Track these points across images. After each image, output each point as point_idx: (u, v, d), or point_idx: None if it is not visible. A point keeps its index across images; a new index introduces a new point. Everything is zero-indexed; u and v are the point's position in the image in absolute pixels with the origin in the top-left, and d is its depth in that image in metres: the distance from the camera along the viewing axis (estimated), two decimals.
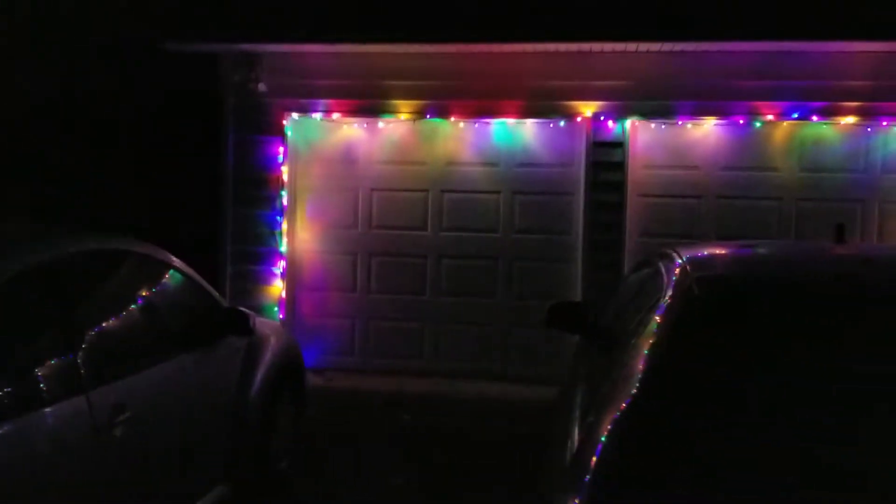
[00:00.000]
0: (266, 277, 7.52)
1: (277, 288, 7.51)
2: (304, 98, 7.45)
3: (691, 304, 2.45)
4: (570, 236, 7.30)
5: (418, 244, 7.55)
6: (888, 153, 6.88)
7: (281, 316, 7.39)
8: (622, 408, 2.12)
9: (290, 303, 7.59)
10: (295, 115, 7.52)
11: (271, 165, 7.50)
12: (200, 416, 4.14)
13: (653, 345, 2.30)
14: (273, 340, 5.09)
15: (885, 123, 6.78)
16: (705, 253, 3.00)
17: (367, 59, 7.31)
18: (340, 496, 4.90)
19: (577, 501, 1.92)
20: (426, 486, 5.05)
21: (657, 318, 2.45)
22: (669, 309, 2.46)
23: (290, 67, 7.41)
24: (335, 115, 7.48)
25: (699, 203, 7.17)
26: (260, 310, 6.91)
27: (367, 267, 7.66)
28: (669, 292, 2.56)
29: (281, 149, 7.49)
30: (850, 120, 6.81)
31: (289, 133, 7.53)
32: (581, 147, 7.18)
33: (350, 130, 7.59)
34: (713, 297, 2.48)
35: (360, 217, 7.64)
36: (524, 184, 7.34)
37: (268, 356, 4.89)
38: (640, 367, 2.24)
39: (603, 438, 2.04)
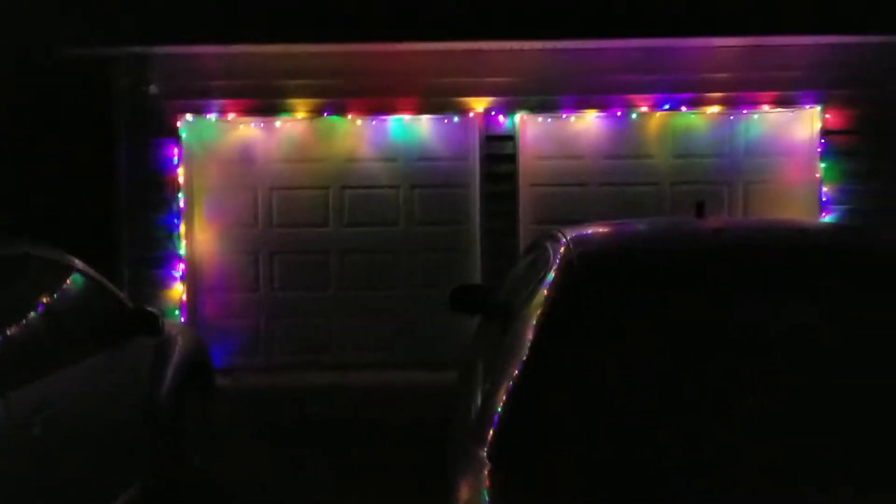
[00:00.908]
0: (166, 281, 7.45)
1: (178, 291, 7.45)
2: (197, 99, 7.42)
3: (572, 275, 2.76)
4: (467, 226, 7.65)
5: (320, 240, 7.68)
6: (749, 138, 7.61)
7: (182, 319, 7.34)
8: (516, 371, 2.40)
9: (192, 305, 7.55)
10: (189, 117, 7.48)
11: (167, 168, 7.43)
12: (115, 415, 4.20)
13: (540, 313, 2.59)
14: (181, 340, 5.18)
15: (745, 111, 7.50)
16: (586, 232, 3.35)
17: (261, 59, 7.37)
18: (253, 488, 4.99)
19: (483, 452, 2.19)
20: (337, 472, 5.19)
21: (544, 290, 2.74)
22: (554, 281, 2.76)
23: (182, 69, 7.37)
24: (230, 116, 7.50)
25: (585, 190, 7.67)
26: (164, 315, 6.84)
27: (269, 265, 7.71)
28: (554, 267, 2.87)
29: (176, 151, 7.43)
30: (715, 109, 7.49)
31: (183, 135, 7.48)
32: (475, 141, 7.53)
33: (247, 130, 7.63)
34: (591, 268, 2.82)
35: (260, 216, 7.69)
36: (422, 178, 7.62)
37: (177, 354, 4.98)
38: (530, 334, 2.52)
39: (502, 398, 2.33)
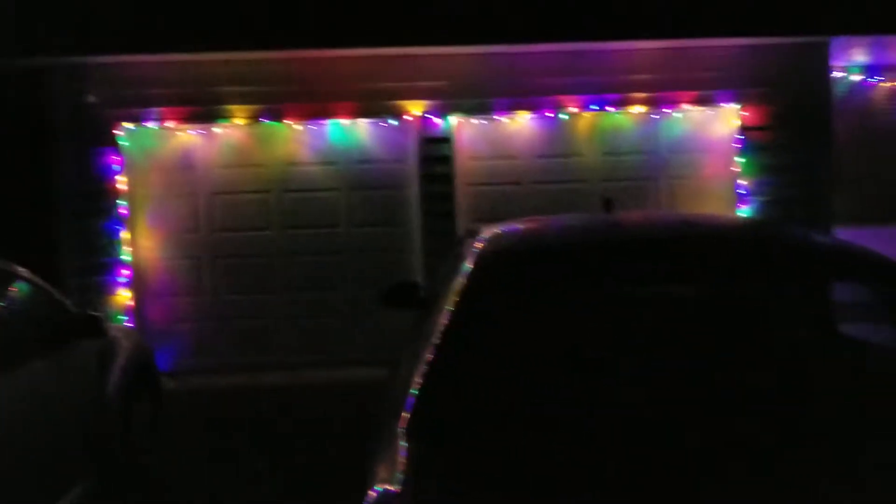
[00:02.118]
0: (111, 287, 7.54)
1: (124, 297, 7.55)
2: (137, 108, 7.53)
3: (482, 266, 3.02)
4: (407, 227, 7.89)
5: (263, 244, 7.85)
6: (672, 136, 8.01)
7: (129, 324, 7.43)
8: (430, 355, 2.65)
9: (138, 311, 7.65)
10: (129, 125, 7.58)
11: (108, 176, 7.52)
12: (60, 416, 4.33)
13: (453, 302, 2.84)
14: (125, 342, 5.33)
15: (668, 111, 7.89)
16: (501, 228, 3.62)
17: (199, 67, 7.50)
18: (201, 486, 5.11)
19: (399, 429, 2.44)
20: (280, 469, 5.33)
21: (459, 281, 2.99)
22: (467, 273, 3.00)
23: (120, 78, 7.46)
24: (170, 123, 7.61)
25: (519, 189, 7.98)
26: (108, 320, 6.94)
27: (213, 269, 7.85)
28: (469, 260, 3.12)
29: (117, 159, 7.52)
30: (640, 109, 7.86)
31: (124, 143, 7.57)
32: (412, 143, 7.78)
33: (186, 137, 7.75)
34: (498, 260, 3.10)
35: (202, 221, 7.82)
36: (362, 180, 7.84)
37: (122, 356, 5.13)
38: (444, 320, 2.77)
39: (418, 380, 2.58)
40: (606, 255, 3.05)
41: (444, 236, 7.70)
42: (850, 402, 2.54)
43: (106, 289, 7.53)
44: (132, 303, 7.57)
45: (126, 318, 7.47)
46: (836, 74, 8.41)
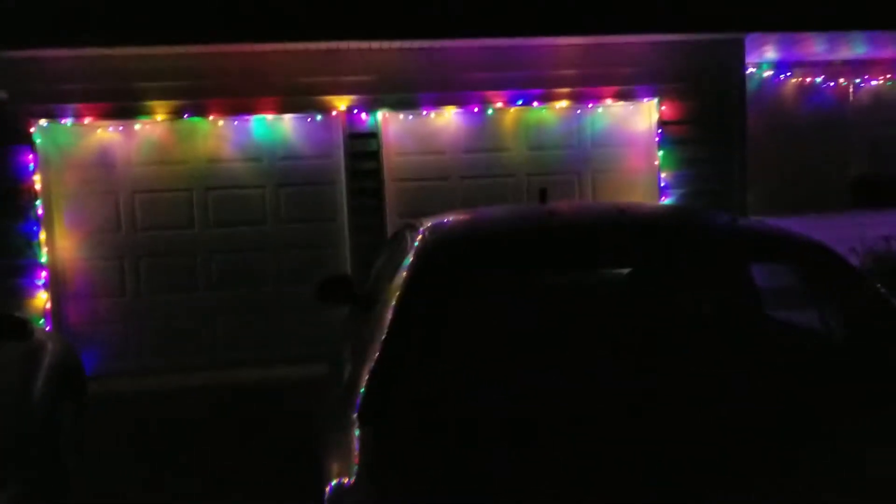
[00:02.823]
0: (28, 290, 7.28)
1: (42, 299, 7.30)
2: (51, 104, 7.28)
3: (425, 256, 3.06)
4: (336, 222, 7.85)
5: (186, 242, 7.69)
6: (595, 130, 8.18)
7: (48, 328, 7.18)
8: (379, 345, 2.68)
9: (57, 313, 7.41)
10: (43, 122, 7.32)
11: (22, 175, 7.25)
12: None
13: (399, 293, 2.87)
14: (51, 345, 5.16)
15: (590, 105, 8.06)
16: (440, 220, 3.66)
17: (117, 62, 7.30)
18: (126, 491, 5.02)
19: (353, 415, 2.47)
20: (206, 470, 5.25)
21: (402, 273, 3.03)
22: (411, 264, 3.03)
23: (34, 73, 7.20)
24: (87, 120, 7.39)
25: (447, 184, 8.02)
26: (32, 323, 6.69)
27: (135, 270, 7.66)
28: (411, 252, 3.15)
29: (31, 157, 7.26)
30: (564, 104, 8.01)
31: (38, 141, 7.31)
32: (339, 139, 7.74)
33: (105, 134, 7.53)
34: (441, 249, 3.14)
35: (123, 220, 7.62)
36: (288, 176, 7.76)
37: (47, 359, 4.96)
38: (390, 312, 2.80)
39: (368, 368, 2.61)
40: (546, 240, 3.11)
41: (372, 232, 7.70)
42: (777, 382, 2.64)
43: (23, 291, 7.26)
44: (50, 305, 7.31)
45: (43, 321, 7.21)
46: (750, 70, 8.74)
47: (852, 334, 2.99)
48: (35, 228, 7.27)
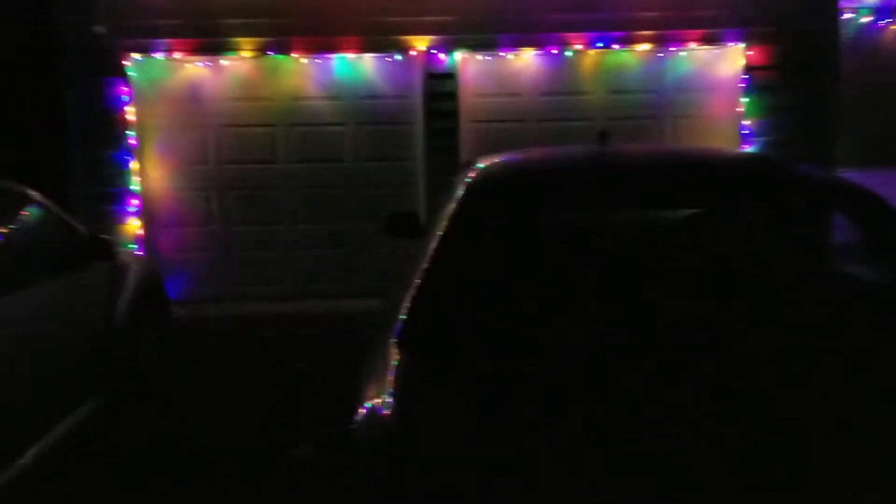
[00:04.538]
0: (121, 217, 7.71)
1: (133, 226, 7.72)
2: (144, 38, 7.58)
3: (472, 192, 3.10)
4: (411, 162, 7.98)
5: (270, 176, 7.97)
6: (678, 75, 8.00)
7: (139, 253, 7.60)
8: (421, 272, 2.76)
9: (148, 240, 7.83)
10: (137, 56, 7.64)
11: (116, 107, 7.62)
12: (71, 333, 4.53)
13: (443, 227, 2.94)
14: (135, 266, 5.53)
15: (673, 49, 7.87)
16: (498, 158, 3.67)
17: None
18: (206, 405, 5.35)
19: (392, 340, 2.56)
20: (283, 390, 5.56)
21: (452, 206, 3.07)
22: (458, 199, 3.08)
23: (128, 8, 7.51)
24: (177, 55, 7.67)
25: (523, 126, 8.02)
26: (117, 245, 7.12)
27: (221, 201, 8.00)
28: (463, 188, 3.20)
29: (125, 89, 7.61)
30: (646, 47, 7.85)
31: (132, 74, 7.65)
32: (417, 79, 7.82)
33: (194, 69, 7.81)
34: (489, 185, 3.18)
35: (210, 153, 7.93)
36: (367, 115, 7.91)
37: (131, 278, 5.32)
38: (435, 242, 2.87)
39: (409, 295, 2.69)
40: (593, 179, 3.15)
41: (447, 172, 7.74)
42: (834, 332, 2.62)
43: (116, 218, 7.69)
44: (141, 232, 7.74)
45: (136, 246, 7.64)
46: (847, 15, 8.34)
47: None
48: (128, 158, 7.66)
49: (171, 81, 7.81)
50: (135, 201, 7.70)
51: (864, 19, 8.70)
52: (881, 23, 8.78)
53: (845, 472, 2.00)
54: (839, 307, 3.08)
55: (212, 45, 7.64)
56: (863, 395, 2.33)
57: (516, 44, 7.78)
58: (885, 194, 3.15)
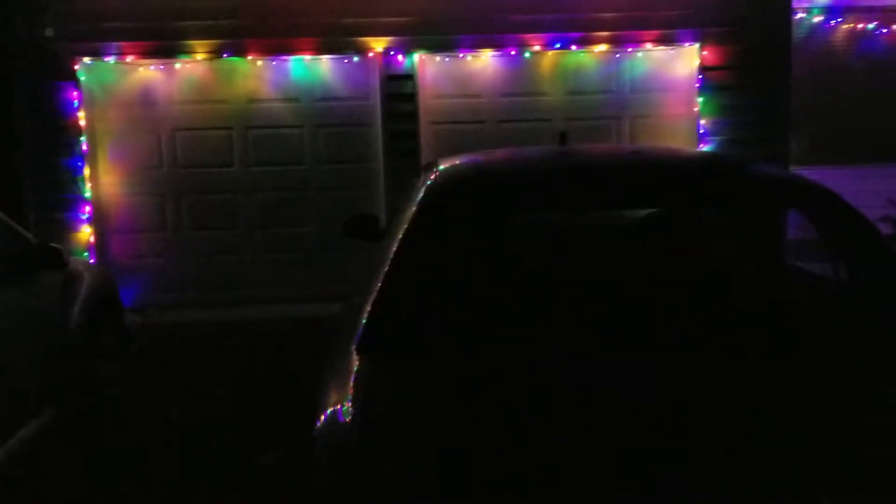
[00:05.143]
0: (73, 224, 7.53)
1: (86, 233, 7.55)
2: (95, 42, 7.43)
3: (431, 194, 3.08)
4: (371, 164, 7.92)
5: (227, 180, 7.85)
6: (635, 75, 8.06)
7: (92, 260, 7.45)
8: (382, 277, 2.73)
9: (101, 247, 7.66)
10: (87, 60, 7.48)
11: (67, 112, 7.45)
12: (19, 345, 4.36)
13: (403, 230, 2.91)
14: (88, 274, 5.38)
15: (630, 50, 7.92)
16: (457, 159, 3.66)
17: (158, 1, 7.39)
18: (169, 416, 5.22)
19: (353, 346, 2.54)
20: (243, 398, 5.45)
21: (413, 209, 3.05)
22: (418, 201, 3.05)
23: (79, 11, 7.35)
24: (130, 58, 7.52)
25: (483, 127, 8.01)
26: (70, 253, 6.95)
27: (176, 206, 7.85)
28: (423, 189, 3.19)
29: (75, 94, 7.44)
30: (603, 48, 7.89)
31: (82, 78, 7.48)
32: (376, 81, 7.76)
33: (147, 73, 7.66)
34: (449, 187, 3.17)
35: (164, 158, 7.79)
36: (325, 118, 7.83)
37: (85, 287, 5.17)
38: (395, 245, 2.83)
39: (370, 300, 2.67)
40: (553, 180, 3.13)
41: (407, 174, 7.69)
42: (788, 327, 2.65)
43: (69, 225, 7.52)
44: (94, 239, 7.57)
45: (88, 254, 7.47)
46: (799, 15, 8.48)
47: (856, 282, 2.97)
48: (79, 164, 7.49)
49: (124, 85, 7.66)
50: (87, 208, 7.53)
51: (816, 19, 8.85)
52: (832, 22, 8.94)
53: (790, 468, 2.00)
54: (794, 303, 3.11)
55: (165, 47, 7.51)
56: (813, 389, 2.34)
57: (475, 45, 7.77)
58: (837, 191, 3.20)
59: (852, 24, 8.98)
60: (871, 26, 9.01)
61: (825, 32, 8.96)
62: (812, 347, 2.52)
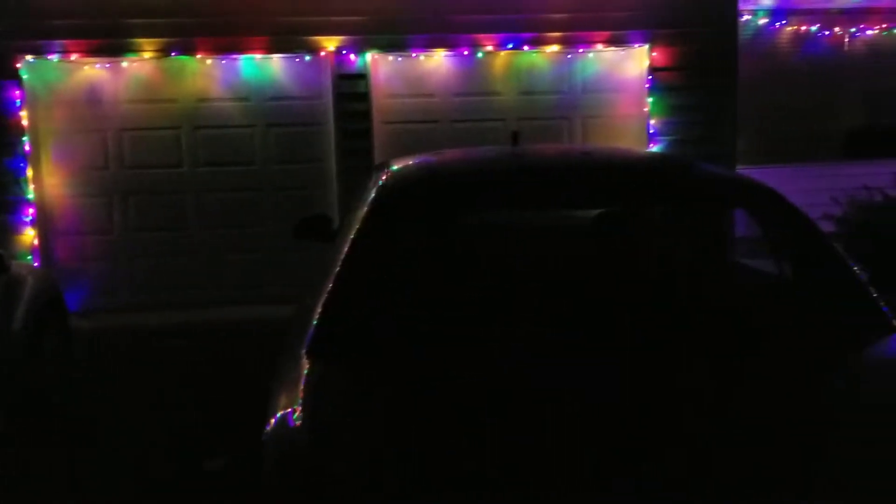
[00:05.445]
0: (16, 227, 7.33)
1: (29, 236, 7.36)
2: (38, 40, 7.24)
3: (382, 195, 3.08)
4: (323, 164, 7.86)
5: (175, 181, 7.71)
6: (586, 76, 8.12)
7: (36, 264, 7.26)
8: (332, 279, 2.72)
9: (45, 249, 7.47)
10: (30, 58, 7.29)
11: (9, 111, 7.25)
12: None
13: (354, 231, 2.90)
14: (31, 278, 5.25)
15: (581, 50, 7.99)
16: (406, 160, 3.66)
17: None
18: (114, 422, 5.10)
19: (303, 351, 2.52)
20: (193, 404, 5.35)
21: (364, 209, 3.04)
22: (369, 202, 3.05)
23: (21, 8, 7.16)
24: (74, 57, 7.35)
25: (436, 127, 7.99)
26: (12, 257, 6.77)
27: (122, 207, 7.70)
28: (375, 190, 3.18)
29: (18, 93, 7.25)
30: (555, 48, 7.94)
31: (25, 76, 7.29)
32: (328, 80, 7.70)
33: (92, 71, 7.49)
34: (399, 188, 3.16)
35: (110, 158, 7.63)
36: (276, 117, 7.74)
37: (27, 291, 5.03)
38: (345, 249, 2.82)
39: (320, 304, 2.66)
40: (505, 180, 3.14)
41: (360, 174, 7.62)
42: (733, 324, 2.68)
43: (11, 227, 7.31)
44: (38, 242, 7.38)
45: (32, 257, 7.28)
46: (745, 17, 8.65)
47: (797, 277, 3.03)
48: (22, 165, 7.29)
49: (69, 84, 7.48)
50: (31, 210, 7.34)
51: (762, 21, 9.04)
52: (777, 24, 9.14)
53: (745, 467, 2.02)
54: (739, 299, 3.16)
55: (111, 46, 7.35)
56: (754, 385, 2.37)
57: (428, 44, 7.76)
58: (781, 191, 3.27)
59: (796, 27, 9.19)
60: (813, 28, 9.24)
61: (770, 34, 9.16)
62: (757, 344, 2.56)
